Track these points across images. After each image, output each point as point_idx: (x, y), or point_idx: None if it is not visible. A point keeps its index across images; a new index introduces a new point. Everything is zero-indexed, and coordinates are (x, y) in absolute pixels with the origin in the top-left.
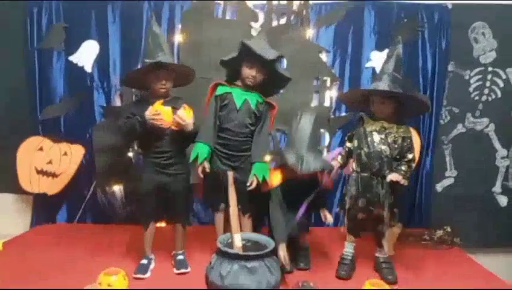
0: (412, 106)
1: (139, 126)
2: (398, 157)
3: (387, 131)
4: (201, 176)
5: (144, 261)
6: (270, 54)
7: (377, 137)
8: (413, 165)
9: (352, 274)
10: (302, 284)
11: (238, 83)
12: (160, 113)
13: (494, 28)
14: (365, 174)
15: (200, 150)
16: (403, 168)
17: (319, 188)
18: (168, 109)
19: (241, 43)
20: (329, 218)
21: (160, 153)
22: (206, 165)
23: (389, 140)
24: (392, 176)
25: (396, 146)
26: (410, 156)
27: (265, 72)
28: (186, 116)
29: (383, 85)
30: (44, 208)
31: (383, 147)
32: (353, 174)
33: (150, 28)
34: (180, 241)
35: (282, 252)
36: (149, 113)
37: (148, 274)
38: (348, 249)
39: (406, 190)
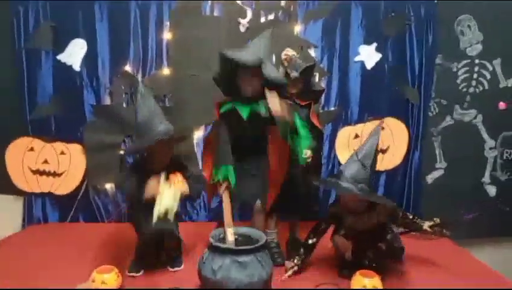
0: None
1: None
2: None
3: None
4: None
5: None
6: (251, 58)
7: None
8: None
9: None
10: None
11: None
12: None
13: (479, 21)
14: None
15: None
16: None
17: None
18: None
19: (219, 54)
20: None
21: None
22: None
23: None
24: None
25: None
26: None
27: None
28: (183, 188)
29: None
30: (35, 208)
31: None
32: None
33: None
34: None
35: None
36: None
37: (141, 272)
38: None
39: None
